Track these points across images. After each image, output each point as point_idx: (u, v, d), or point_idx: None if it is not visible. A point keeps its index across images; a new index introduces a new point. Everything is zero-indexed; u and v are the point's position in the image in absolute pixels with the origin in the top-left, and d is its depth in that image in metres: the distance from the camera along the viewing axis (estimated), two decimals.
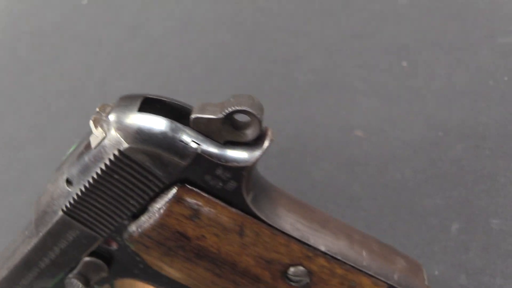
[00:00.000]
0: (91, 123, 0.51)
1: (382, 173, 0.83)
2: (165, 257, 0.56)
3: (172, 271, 0.58)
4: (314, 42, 0.98)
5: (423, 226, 0.78)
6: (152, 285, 0.64)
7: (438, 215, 0.78)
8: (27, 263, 0.61)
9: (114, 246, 0.59)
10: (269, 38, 1.02)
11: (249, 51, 1.00)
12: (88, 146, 0.52)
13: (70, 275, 0.61)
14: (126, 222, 0.55)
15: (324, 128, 0.89)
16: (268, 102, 0.95)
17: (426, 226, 0.78)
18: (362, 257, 0.58)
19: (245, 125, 0.51)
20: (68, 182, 0.54)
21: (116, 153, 0.49)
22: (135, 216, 0.55)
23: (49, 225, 0.57)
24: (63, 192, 0.55)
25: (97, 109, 0.52)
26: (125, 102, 0.52)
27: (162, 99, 0.52)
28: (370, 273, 0.58)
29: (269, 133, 0.52)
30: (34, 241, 0.59)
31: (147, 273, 0.60)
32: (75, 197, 0.53)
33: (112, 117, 0.50)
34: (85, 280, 0.61)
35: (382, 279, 0.58)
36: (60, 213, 0.55)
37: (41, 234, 0.58)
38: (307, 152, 0.88)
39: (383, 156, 0.85)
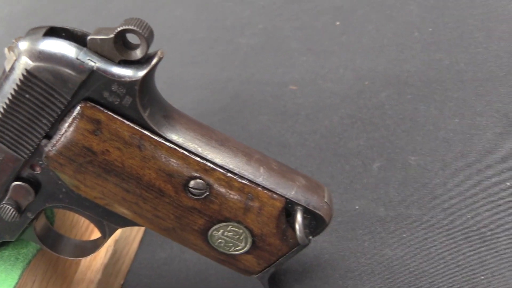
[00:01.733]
0: (6, 50, 0.57)
1: (312, 121, 0.88)
2: (78, 174, 0.61)
3: (88, 190, 0.63)
4: (255, 9, 1.04)
5: (347, 166, 0.83)
6: (78, 211, 0.70)
7: (361, 156, 0.83)
8: None
9: (37, 170, 0.64)
10: (216, 8, 1.08)
11: (198, 21, 1.07)
12: (4, 72, 0.59)
13: (2, 202, 0.67)
14: (43, 142, 0.61)
15: (262, 85, 0.94)
16: (213, 65, 1.02)
17: (349, 166, 0.83)
18: (259, 173, 0.63)
19: (136, 45, 0.57)
20: None
21: (24, 72, 0.56)
22: (49, 137, 0.61)
23: None
24: None
25: (13, 40, 0.59)
26: (33, 31, 0.58)
27: (67, 27, 0.59)
28: (266, 186, 0.62)
29: (159, 52, 0.57)
30: None
31: (70, 197, 0.65)
32: None
33: (20, 42, 0.57)
34: (16, 206, 0.66)
35: (279, 192, 0.63)
36: None
37: None
38: (246, 107, 0.94)
39: (313, 106, 0.90)
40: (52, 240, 0.77)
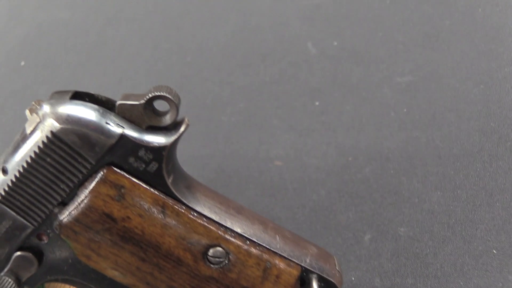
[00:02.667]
0: (27, 111, 0.56)
1: (300, 196, 0.91)
2: (93, 243, 0.60)
3: (100, 260, 0.61)
4: (237, 89, 1.08)
5: (339, 239, 0.85)
6: (79, 284, 0.67)
7: (351, 228, 0.86)
8: None
9: (44, 239, 0.61)
10: (197, 87, 1.11)
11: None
12: (23, 134, 0.57)
13: (1, 273, 0.63)
14: (56, 210, 0.59)
15: (246, 161, 0.96)
16: (194, 142, 1.03)
17: (341, 238, 0.85)
18: (276, 241, 0.64)
19: (164, 112, 0.58)
20: (4, 171, 0.58)
21: (49, 135, 0.55)
22: (65, 204, 0.59)
23: None
24: None
25: (33, 103, 0.58)
26: (58, 94, 0.58)
27: (91, 93, 0.59)
28: (284, 255, 0.63)
29: (186, 120, 0.59)
30: None
31: (76, 269, 0.63)
32: (9, 183, 0.57)
33: (45, 104, 0.56)
34: (16, 278, 0.63)
35: (295, 261, 0.63)
36: None
37: None
38: (232, 182, 0.95)
39: (300, 181, 0.93)
40: None
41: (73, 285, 0.68)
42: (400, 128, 0.95)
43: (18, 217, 0.59)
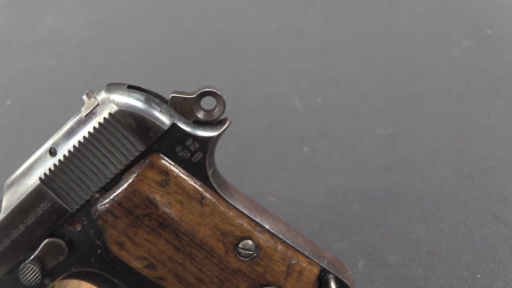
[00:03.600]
0: (84, 96, 0.60)
1: (294, 227, 0.96)
2: (130, 229, 0.62)
3: (133, 249, 0.63)
4: (227, 135, 1.14)
5: None
6: (99, 282, 0.67)
7: (346, 256, 0.91)
8: None
9: (77, 227, 0.63)
10: None
11: None
12: (77, 116, 0.61)
13: (26, 261, 0.62)
14: (97, 195, 0.61)
15: None
16: None
17: None
18: (298, 240, 0.68)
19: (212, 108, 0.64)
20: (51, 152, 0.60)
21: (107, 116, 0.58)
22: (106, 190, 0.62)
23: (21, 198, 0.61)
24: (44, 162, 0.60)
25: (88, 91, 0.62)
26: (114, 85, 0.63)
27: (141, 87, 0.64)
28: (305, 253, 0.67)
29: (228, 118, 0.65)
30: None
31: (103, 261, 0.64)
32: (57, 163, 0.59)
33: (105, 89, 0.61)
34: (41, 267, 0.62)
35: (316, 260, 0.68)
36: (37, 182, 0.60)
37: (9, 210, 0.61)
38: None
39: (293, 215, 0.98)
40: None
41: (93, 282, 0.68)
42: (384, 172, 1.03)
43: (58, 199, 0.61)
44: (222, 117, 0.64)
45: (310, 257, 0.68)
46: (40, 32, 1.58)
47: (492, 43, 1.31)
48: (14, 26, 1.63)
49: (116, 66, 1.40)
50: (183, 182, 0.62)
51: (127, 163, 0.60)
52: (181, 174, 0.62)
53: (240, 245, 0.64)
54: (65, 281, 0.77)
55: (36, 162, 0.61)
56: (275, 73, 1.31)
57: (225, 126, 0.63)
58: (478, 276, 0.85)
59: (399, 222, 0.94)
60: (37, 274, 0.62)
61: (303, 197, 1.00)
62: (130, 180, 0.60)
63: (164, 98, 0.64)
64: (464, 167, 1.02)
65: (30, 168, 0.61)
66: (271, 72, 1.31)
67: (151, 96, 0.62)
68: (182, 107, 0.62)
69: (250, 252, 0.65)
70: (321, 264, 0.68)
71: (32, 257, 0.62)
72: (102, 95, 0.60)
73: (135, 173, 0.61)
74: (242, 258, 0.65)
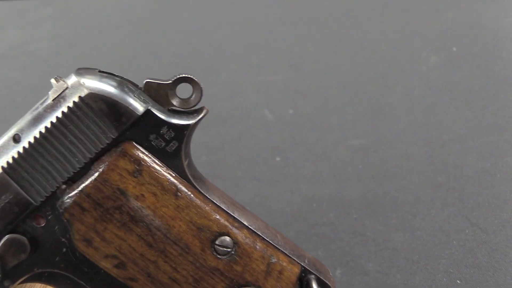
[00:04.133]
0: (53, 80, 0.56)
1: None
2: (99, 224, 0.57)
3: (102, 246, 0.58)
4: (198, 145, 1.11)
5: None
6: (67, 281, 0.62)
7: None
8: None
9: (41, 222, 0.58)
10: None
11: None
12: (43, 102, 0.56)
13: None
14: (63, 186, 0.57)
15: None
16: None
17: None
18: (277, 239, 0.65)
19: (188, 96, 0.61)
20: (15, 139, 0.55)
21: (76, 99, 0.54)
22: (74, 181, 0.57)
23: None
24: (7, 150, 0.55)
25: (57, 76, 0.58)
26: (84, 68, 0.59)
27: (115, 73, 0.61)
28: (285, 252, 0.64)
29: (204, 108, 0.62)
30: None
31: (69, 261, 0.59)
32: (21, 150, 0.54)
33: (75, 72, 0.57)
34: (2, 264, 0.57)
35: (296, 259, 0.64)
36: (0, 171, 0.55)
37: None
38: None
39: (268, 224, 0.95)
40: None
41: (57, 286, 0.63)
42: (358, 180, 1.02)
43: (21, 191, 0.56)
44: (198, 106, 0.61)
45: (290, 256, 0.64)
46: (2, 45, 1.53)
47: (458, 59, 1.33)
48: None
49: None
50: (157, 173, 0.58)
51: (97, 151, 0.56)
52: (155, 164, 0.58)
53: (217, 242, 0.61)
54: (27, 285, 0.71)
55: None
56: (245, 85, 1.29)
57: (202, 114, 0.60)
58: (458, 282, 0.83)
59: (376, 230, 0.92)
60: None
61: (277, 205, 0.97)
62: (100, 170, 0.56)
63: (138, 85, 0.60)
64: (438, 175, 1.01)
65: None
66: (241, 85, 1.29)
67: (124, 81, 0.58)
68: (157, 93, 0.59)
69: (228, 250, 0.61)
70: (302, 264, 0.65)
71: None
72: (72, 79, 0.56)
73: (105, 162, 0.56)
74: (220, 256, 0.61)
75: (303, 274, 0.65)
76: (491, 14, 1.50)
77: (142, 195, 0.58)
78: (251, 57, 1.41)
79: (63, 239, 0.58)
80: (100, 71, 0.59)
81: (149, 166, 0.58)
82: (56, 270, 0.60)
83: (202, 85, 0.60)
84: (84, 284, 0.61)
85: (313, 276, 0.65)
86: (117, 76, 0.60)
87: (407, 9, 1.53)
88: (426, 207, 0.96)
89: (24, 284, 0.70)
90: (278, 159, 1.08)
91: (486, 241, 0.89)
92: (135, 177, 0.57)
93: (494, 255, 0.87)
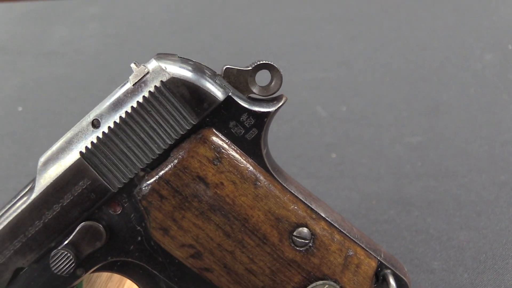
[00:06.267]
0: (133, 65, 0.55)
1: None
2: (177, 212, 0.56)
3: (179, 235, 0.57)
4: None
5: None
6: (136, 275, 0.60)
7: None
8: (14, 229, 0.55)
9: (117, 210, 0.57)
10: None
11: None
12: (123, 87, 0.55)
13: (59, 247, 0.56)
14: (142, 173, 0.56)
15: None
16: None
17: None
18: (353, 232, 0.63)
19: (267, 83, 0.59)
20: (94, 125, 0.55)
21: (158, 84, 0.53)
22: (152, 168, 0.56)
23: (57, 175, 0.55)
24: (85, 135, 0.54)
25: (135, 61, 0.57)
26: (164, 53, 0.58)
27: (193, 60, 0.60)
28: (362, 245, 0.62)
29: (283, 96, 0.60)
30: (31, 198, 0.55)
31: (143, 250, 0.58)
32: (100, 136, 0.54)
33: (156, 57, 0.56)
34: (76, 253, 0.56)
35: (373, 253, 0.62)
36: (77, 156, 0.54)
37: (43, 188, 0.55)
38: None
39: None
40: None
41: (128, 275, 0.62)
42: (418, 178, 0.99)
43: (99, 177, 0.55)
44: (277, 94, 0.60)
45: (367, 249, 0.62)
46: (52, 43, 1.54)
47: None
48: (27, 36, 1.60)
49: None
50: (237, 161, 0.57)
51: (177, 138, 0.55)
52: (235, 152, 0.57)
53: (295, 233, 0.59)
54: (94, 277, 0.71)
55: (76, 135, 0.55)
56: (296, 83, 1.28)
57: (282, 101, 0.59)
58: None
59: (439, 228, 0.89)
60: (71, 262, 0.55)
61: (335, 202, 0.95)
62: (180, 156, 0.55)
63: (216, 72, 0.59)
64: (500, 174, 0.99)
65: (69, 142, 0.55)
66: (293, 82, 1.28)
67: (204, 67, 0.57)
68: (237, 80, 0.58)
69: (306, 241, 0.59)
70: (379, 258, 0.63)
71: (65, 242, 0.56)
72: (153, 63, 0.55)
73: (185, 149, 0.55)
74: (297, 248, 0.59)
75: (379, 269, 0.63)
76: None
77: (222, 183, 0.56)
78: (302, 55, 1.39)
79: (138, 228, 0.57)
80: (179, 57, 0.58)
81: (229, 154, 0.56)
82: (130, 259, 0.59)
83: (282, 71, 0.58)
84: (157, 273, 0.60)
85: (389, 271, 0.63)
86: (197, 62, 0.59)
87: (460, 7, 1.50)
88: (490, 205, 0.93)
89: (89, 276, 0.70)
90: (334, 155, 1.06)
91: None
92: (214, 164, 0.56)
93: None
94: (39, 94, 1.29)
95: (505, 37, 1.37)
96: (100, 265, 0.59)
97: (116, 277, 0.76)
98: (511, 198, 0.94)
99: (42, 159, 0.56)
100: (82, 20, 1.65)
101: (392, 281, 0.62)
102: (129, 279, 0.63)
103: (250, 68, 0.57)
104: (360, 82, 1.26)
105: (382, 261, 0.63)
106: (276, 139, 1.12)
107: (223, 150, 0.56)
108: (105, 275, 0.72)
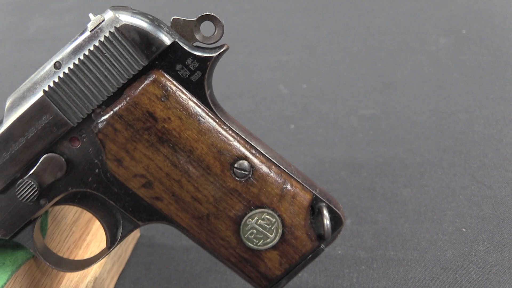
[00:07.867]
0: (90, 14, 0.63)
1: None
2: (130, 143, 0.63)
3: (131, 165, 0.64)
4: None
5: None
6: (95, 206, 0.67)
7: None
8: None
9: (76, 144, 0.64)
10: None
11: None
12: (82, 34, 0.63)
13: (25, 176, 0.63)
14: (98, 110, 0.63)
15: None
16: None
17: None
18: (291, 168, 0.70)
19: (211, 34, 0.67)
20: (55, 66, 0.62)
21: (112, 30, 0.61)
22: (107, 105, 0.63)
23: (23, 110, 0.62)
24: (48, 75, 0.62)
25: (90, 14, 0.65)
26: (118, 6, 0.66)
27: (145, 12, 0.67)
28: (298, 179, 0.69)
29: (226, 44, 0.68)
30: (0, 131, 0.62)
31: (100, 181, 0.65)
32: (61, 75, 0.61)
33: (111, 8, 0.64)
34: (40, 182, 0.63)
35: (308, 188, 0.70)
36: (41, 93, 0.61)
37: (10, 123, 0.62)
38: None
39: None
40: (47, 253, 0.70)
41: (88, 208, 0.69)
42: (368, 145, 1.07)
43: (60, 112, 0.62)
44: (219, 43, 0.68)
45: (303, 183, 0.69)
46: (30, 31, 1.61)
47: (467, 41, 1.38)
48: (6, 26, 1.66)
49: None
50: (182, 98, 0.64)
51: (129, 77, 0.62)
52: (180, 92, 0.64)
53: (236, 165, 0.66)
54: (59, 217, 0.77)
55: (40, 76, 0.62)
56: (262, 64, 1.35)
57: (223, 49, 0.66)
58: (464, 230, 0.87)
59: (385, 186, 0.97)
60: (35, 190, 0.62)
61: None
62: (132, 94, 0.62)
63: (165, 23, 0.67)
64: (445, 140, 1.06)
65: (34, 82, 0.63)
66: (258, 64, 1.35)
67: (154, 17, 0.65)
68: (183, 29, 0.65)
69: (246, 173, 0.66)
70: (314, 192, 0.70)
71: (30, 172, 0.63)
72: (108, 13, 0.63)
73: (136, 88, 0.63)
74: (238, 178, 0.66)
75: (315, 202, 0.70)
76: (501, 1, 1.55)
77: (169, 118, 0.64)
78: (269, 40, 1.47)
79: (96, 161, 0.64)
80: (132, 9, 0.66)
81: (175, 92, 0.64)
82: (88, 190, 0.65)
83: (223, 22, 0.66)
84: (113, 203, 0.66)
85: (324, 204, 0.70)
86: (148, 14, 0.66)
87: None
88: (434, 167, 1.00)
89: (55, 214, 0.76)
90: (292, 126, 1.13)
91: (491, 195, 0.93)
92: (162, 101, 0.63)
93: (498, 207, 0.91)
94: (17, 79, 1.36)
95: (459, 23, 1.46)
96: (61, 195, 0.65)
97: (82, 222, 0.83)
98: (453, 161, 1.01)
99: (10, 99, 0.63)
100: (59, 11, 1.72)
101: (326, 213, 0.69)
102: (88, 211, 0.70)
103: (194, 19, 0.65)
104: (322, 63, 1.34)
105: (317, 194, 0.70)
106: (239, 113, 1.19)
107: (170, 89, 0.64)
108: (70, 217, 0.79)
